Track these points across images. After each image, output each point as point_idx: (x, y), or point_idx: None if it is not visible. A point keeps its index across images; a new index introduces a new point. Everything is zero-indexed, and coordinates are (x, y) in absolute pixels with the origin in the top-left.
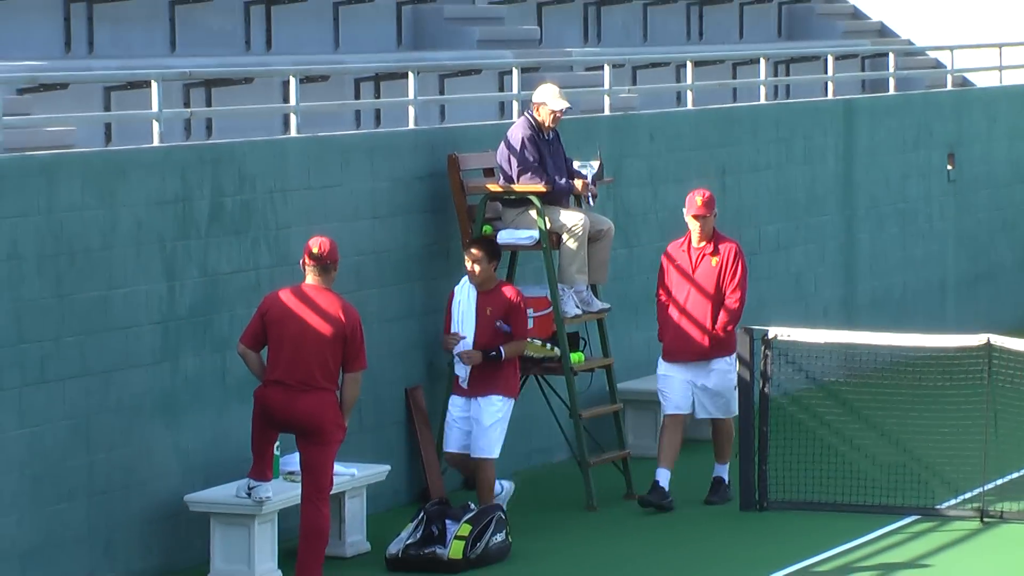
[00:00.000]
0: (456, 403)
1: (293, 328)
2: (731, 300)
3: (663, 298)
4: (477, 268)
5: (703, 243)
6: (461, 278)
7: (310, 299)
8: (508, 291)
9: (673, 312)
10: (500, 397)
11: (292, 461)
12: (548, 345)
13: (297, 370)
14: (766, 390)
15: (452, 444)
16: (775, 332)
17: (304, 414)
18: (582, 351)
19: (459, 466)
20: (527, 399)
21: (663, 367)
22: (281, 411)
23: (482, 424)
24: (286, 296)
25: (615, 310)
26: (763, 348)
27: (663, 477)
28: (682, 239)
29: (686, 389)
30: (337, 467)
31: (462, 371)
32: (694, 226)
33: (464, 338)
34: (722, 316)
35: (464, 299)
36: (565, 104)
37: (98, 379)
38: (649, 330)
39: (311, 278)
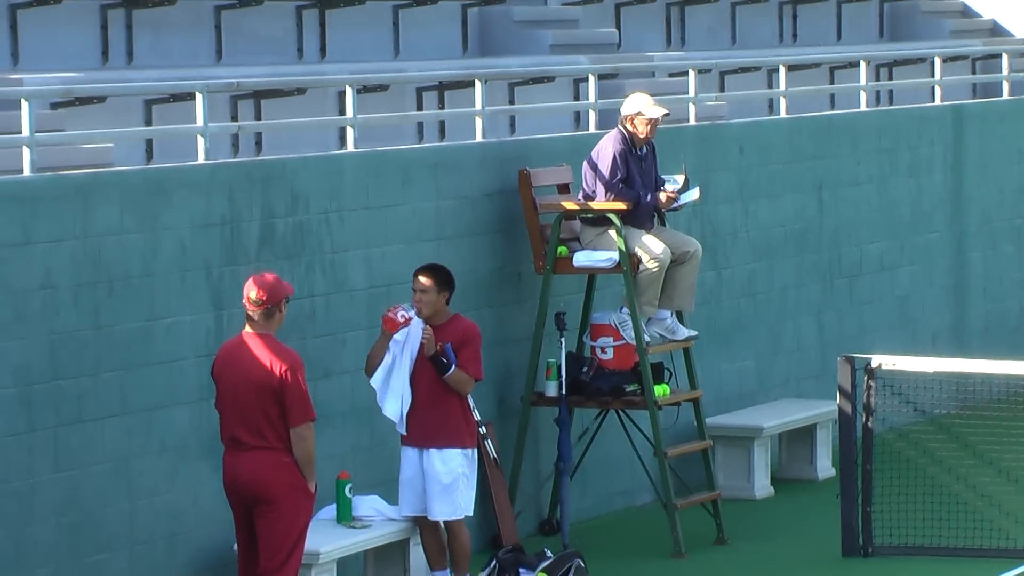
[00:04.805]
0: (408, 458)
1: (227, 381)
2: None
3: None
4: (423, 299)
5: None
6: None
7: (246, 347)
8: (465, 322)
9: None
10: (459, 451)
11: (363, 503)
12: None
13: (237, 427)
14: (870, 424)
15: (407, 507)
16: (879, 361)
17: (247, 477)
18: (667, 383)
19: (422, 531)
20: (607, 437)
21: None
22: (228, 476)
23: (440, 482)
24: (227, 346)
25: (703, 338)
26: (866, 379)
27: None
28: None
29: None
30: (391, 511)
31: (393, 408)
32: None
33: (412, 317)
34: None
35: (412, 332)
36: (663, 111)
37: (140, 418)
38: (740, 360)
39: (250, 325)
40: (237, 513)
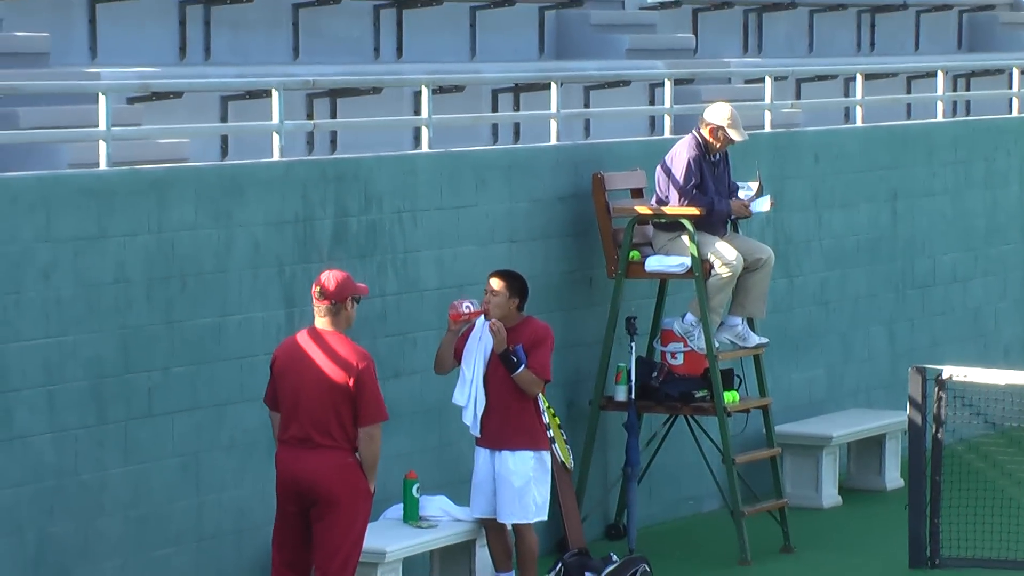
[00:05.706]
0: (482, 457)
1: (292, 378)
2: None
3: None
4: (493, 301)
5: None
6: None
7: (314, 344)
8: (538, 324)
9: None
10: (532, 454)
11: (430, 503)
12: (569, 453)
13: (300, 425)
14: (939, 436)
15: (478, 510)
16: (950, 372)
17: (311, 476)
18: (737, 390)
19: (489, 532)
20: (675, 443)
21: None
22: (286, 474)
23: (511, 484)
24: (290, 343)
25: (773, 346)
26: (937, 390)
27: None
28: None
29: None
30: (458, 511)
31: (469, 414)
32: None
33: (478, 310)
34: None
35: (484, 334)
36: (744, 137)
37: (210, 413)
38: (810, 368)
39: (319, 320)
40: (288, 511)
